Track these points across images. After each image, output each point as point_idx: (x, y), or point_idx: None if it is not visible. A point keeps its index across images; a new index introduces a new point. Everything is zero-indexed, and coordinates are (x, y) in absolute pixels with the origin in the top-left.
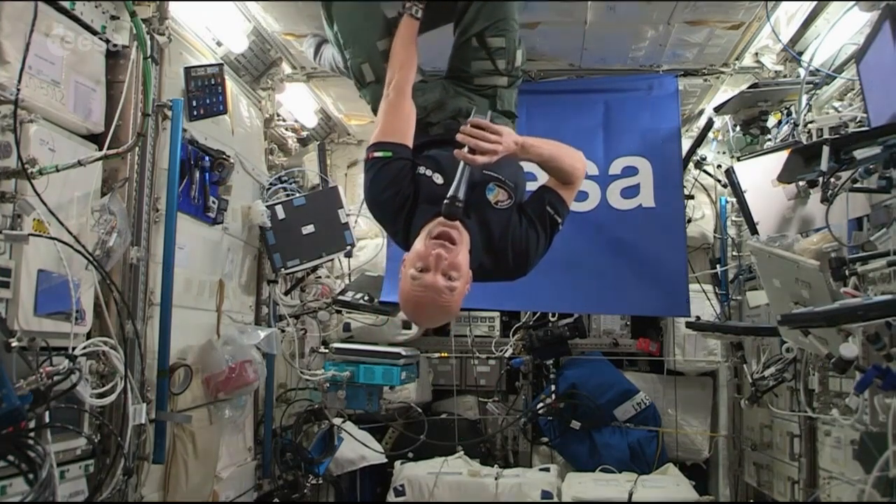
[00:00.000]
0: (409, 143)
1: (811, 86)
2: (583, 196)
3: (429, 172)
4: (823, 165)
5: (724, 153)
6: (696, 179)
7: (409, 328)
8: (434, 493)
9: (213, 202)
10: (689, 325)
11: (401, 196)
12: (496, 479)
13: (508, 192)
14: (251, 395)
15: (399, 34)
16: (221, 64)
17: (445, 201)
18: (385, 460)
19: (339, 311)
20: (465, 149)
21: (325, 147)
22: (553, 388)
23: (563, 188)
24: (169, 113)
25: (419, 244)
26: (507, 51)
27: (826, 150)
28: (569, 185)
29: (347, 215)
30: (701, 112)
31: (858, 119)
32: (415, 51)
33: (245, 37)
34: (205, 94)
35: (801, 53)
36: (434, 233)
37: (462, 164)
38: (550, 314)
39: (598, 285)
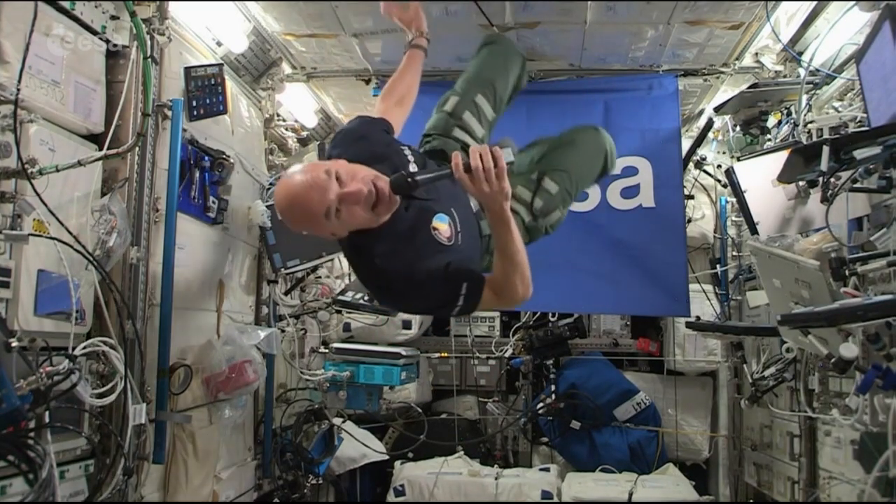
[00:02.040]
0: (395, 125)
1: (811, 86)
2: (583, 196)
3: (409, 154)
4: (823, 165)
5: (724, 153)
6: (696, 179)
7: (410, 328)
8: (434, 493)
9: (213, 202)
10: (689, 325)
11: (369, 143)
12: (496, 479)
13: (452, 235)
14: (251, 395)
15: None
16: (221, 64)
17: (402, 174)
18: (387, 457)
19: (339, 311)
20: (462, 163)
21: (325, 147)
22: (553, 388)
23: (491, 292)
24: (169, 113)
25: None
26: (549, 198)
27: (826, 150)
28: (497, 296)
29: None
30: (701, 112)
31: (858, 119)
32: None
33: (245, 37)
34: (205, 94)
35: (801, 53)
36: (371, 177)
37: (447, 169)
38: (550, 314)
39: (598, 285)
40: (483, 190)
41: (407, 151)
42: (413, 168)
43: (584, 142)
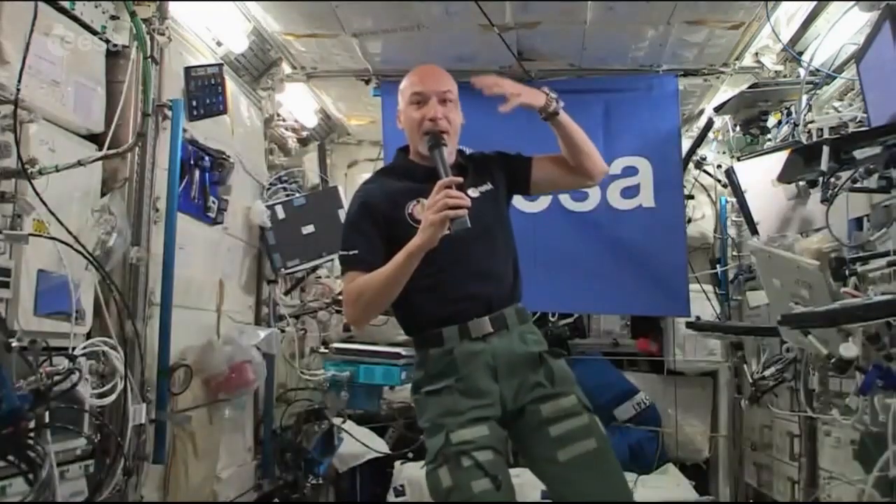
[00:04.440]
0: (537, 167)
1: (811, 86)
2: (583, 196)
3: (445, 146)
4: (823, 165)
5: (724, 153)
6: (696, 179)
7: None
8: None
9: (213, 202)
10: (689, 325)
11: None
12: None
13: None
14: (251, 395)
15: None
16: (221, 64)
17: (440, 139)
18: (389, 452)
19: (338, 311)
20: (449, 180)
21: (325, 147)
22: None
23: (349, 285)
24: (169, 113)
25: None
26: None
27: (826, 150)
28: (347, 291)
29: None
30: (701, 112)
31: (858, 119)
32: None
33: (245, 37)
34: (205, 94)
35: (801, 53)
36: (454, 130)
37: (448, 175)
38: (550, 314)
39: (598, 285)
40: (435, 200)
41: (450, 144)
42: (432, 147)
43: None
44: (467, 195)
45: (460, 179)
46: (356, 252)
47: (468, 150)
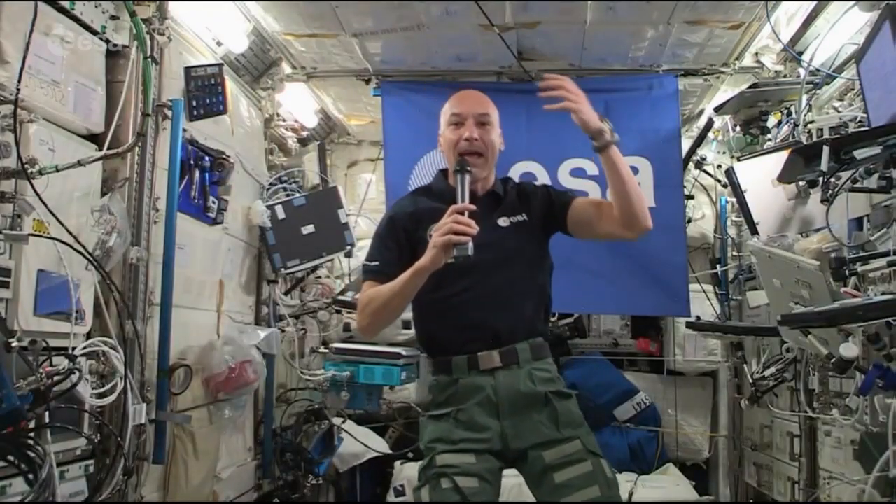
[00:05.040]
0: (579, 205)
1: (811, 86)
2: (583, 196)
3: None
4: (823, 165)
5: (724, 153)
6: (696, 179)
7: (409, 328)
8: None
9: (213, 202)
10: (689, 325)
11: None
12: None
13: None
14: (251, 395)
15: None
16: (221, 64)
17: (468, 163)
18: (389, 452)
19: (339, 311)
20: (462, 207)
21: (325, 147)
22: None
23: (364, 293)
24: (169, 113)
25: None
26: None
27: (826, 150)
28: (362, 297)
29: (347, 215)
30: (701, 112)
31: (858, 119)
32: None
33: (245, 37)
34: (205, 94)
35: (801, 53)
36: (485, 151)
37: (463, 199)
38: (550, 314)
39: (598, 285)
40: (443, 223)
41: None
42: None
43: None
44: (497, 224)
45: (473, 207)
46: (376, 263)
47: (514, 181)
